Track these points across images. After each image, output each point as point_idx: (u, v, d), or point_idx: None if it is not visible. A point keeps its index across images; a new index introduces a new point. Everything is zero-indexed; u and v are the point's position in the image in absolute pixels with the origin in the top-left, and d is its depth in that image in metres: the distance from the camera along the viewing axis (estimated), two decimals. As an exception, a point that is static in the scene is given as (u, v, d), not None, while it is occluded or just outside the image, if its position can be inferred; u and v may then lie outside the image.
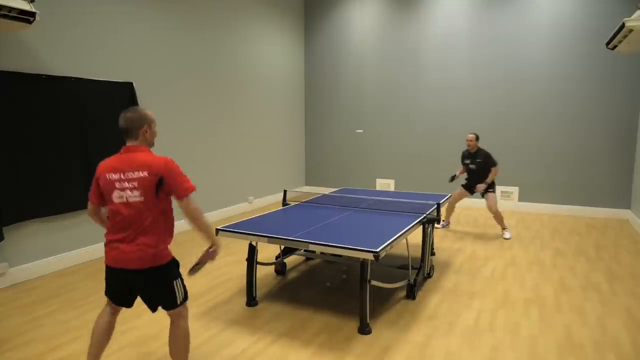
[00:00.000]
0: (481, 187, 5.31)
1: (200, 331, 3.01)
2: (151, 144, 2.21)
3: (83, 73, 4.46)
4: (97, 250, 4.68)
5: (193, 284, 3.89)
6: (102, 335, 2.22)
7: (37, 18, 3.37)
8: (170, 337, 2.21)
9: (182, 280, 2.24)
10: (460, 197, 5.67)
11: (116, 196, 2.07)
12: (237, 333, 2.98)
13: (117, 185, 2.06)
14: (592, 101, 6.44)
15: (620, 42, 4.29)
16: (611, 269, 4.24)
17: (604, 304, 3.44)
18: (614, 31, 4.24)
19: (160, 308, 2.20)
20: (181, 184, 2.10)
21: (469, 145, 5.43)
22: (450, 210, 5.81)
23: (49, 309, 3.41)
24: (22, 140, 3.92)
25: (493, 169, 5.29)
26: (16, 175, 3.89)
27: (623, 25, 3.92)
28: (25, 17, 3.29)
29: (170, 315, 2.21)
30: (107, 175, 2.08)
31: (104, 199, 2.15)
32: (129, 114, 2.12)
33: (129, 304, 2.25)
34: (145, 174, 2.05)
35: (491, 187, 5.36)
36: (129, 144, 2.14)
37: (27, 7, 3.27)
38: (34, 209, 4.03)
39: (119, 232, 2.08)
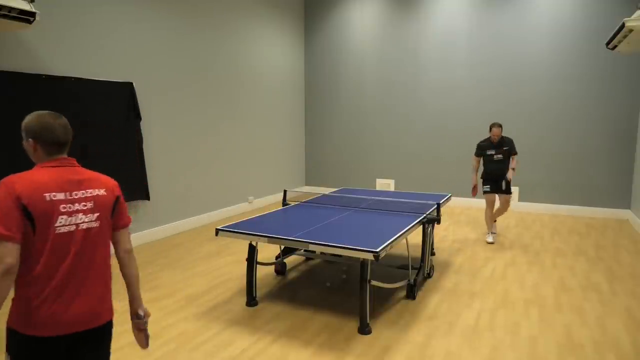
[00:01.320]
0: (511, 174, 5.05)
1: (201, 331, 3.01)
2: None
3: (83, 73, 4.46)
4: (97, 250, 4.68)
5: (193, 284, 3.89)
6: None
7: (37, 18, 3.37)
8: None
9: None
10: (494, 202, 5.25)
11: (61, 223, 1.47)
12: (237, 333, 2.98)
13: (62, 209, 1.47)
14: (592, 101, 6.44)
15: (620, 42, 4.29)
16: (611, 269, 4.24)
17: (604, 304, 3.44)
18: (614, 31, 4.24)
19: None
20: (126, 210, 1.71)
21: (494, 136, 5.04)
22: (492, 219, 5.30)
23: (49, 309, 3.40)
24: (22, 140, 3.91)
25: (515, 157, 5.14)
26: (16, 175, 3.88)
27: (623, 25, 3.92)
28: (25, 17, 3.29)
29: None
30: (45, 196, 1.44)
31: (23, 234, 1.40)
32: (63, 121, 1.60)
33: None
34: (103, 191, 1.59)
35: (510, 188, 5.14)
36: (63, 156, 1.60)
37: (27, 7, 3.27)
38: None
39: (63, 282, 1.47)
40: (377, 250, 2.70)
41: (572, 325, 3.08)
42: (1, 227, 1.35)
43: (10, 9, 3.15)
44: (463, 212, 6.91)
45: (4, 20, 3.20)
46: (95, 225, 1.57)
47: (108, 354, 1.71)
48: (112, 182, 1.67)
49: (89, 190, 1.57)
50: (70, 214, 1.49)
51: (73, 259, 1.50)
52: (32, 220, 1.41)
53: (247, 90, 6.96)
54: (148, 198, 5.14)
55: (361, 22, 7.92)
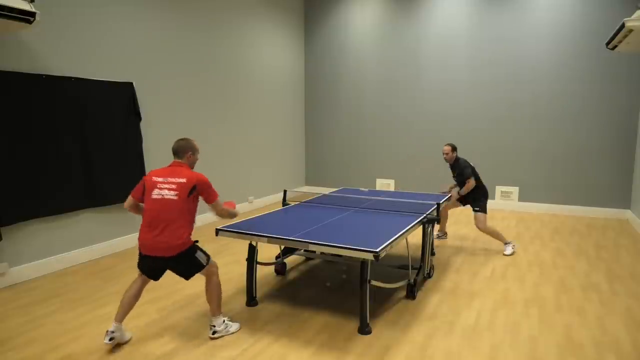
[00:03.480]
0: (454, 194, 4.78)
1: (201, 331, 3.01)
2: (192, 166, 2.93)
3: (83, 73, 4.46)
4: (97, 250, 4.68)
5: (192, 284, 3.89)
6: (131, 298, 2.79)
7: (37, 18, 3.36)
8: (206, 289, 2.89)
9: (200, 249, 2.82)
10: (451, 206, 5.05)
11: (155, 193, 2.70)
12: (237, 333, 2.98)
13: (158, 186, 2.72)
14: (592, 101, 6.44)
15: (620, 42, 4.29)
16: (611, 269, 4.24)
17: (604, 304, 3.44)
18: (614, 31, 4.23)
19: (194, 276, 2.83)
20: (210, 193, 2.84)
21: (445, 158, 4.80)
22: (444, 220, 5.32)
23: (49, 309, 3.41)
24: (22, 140, 3.92)
25: (469, 181, 4.66)
26: (16, 175, 3.89)
27: (623, 25, 3.92)
28: (25, 17, 3.28)
29: (204, 275, 2.86)
30: (152, 178, 2.76)
31: (143, 196, 2.78)
32: (181, 142, 2.90)
33: (157, 278, 2.84)
34: (184, 180, 2.73)
35: (477, 205, 4.67)
36: (175, 161, 2.87)
37: (27, 7, 3.27)
38: (33, 209, 4.03)
39: (153, 223, 2.67)
40: (377, 250, 2.69)
41: (572, 325, 3.08)
42: (134, 190, 2.86)
43: (11, 9, 3.15)
44: (463, 212, 6.91)
45: (4, 20, 3.19)
46: (174, 197, 2.71)
47: (190, 264, 2.81)
48: (193, 177, 2.78)
49: (176, 179, 2.75)
50: (161, 189, 2.73)
51: (157, 214, 2.73)
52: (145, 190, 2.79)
53: (247, 90, 6.96)
54: (148, 198, 5.14)
55: (361, 22, 7.92)
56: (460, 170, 4.72)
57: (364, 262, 2.92)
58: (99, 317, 3.26)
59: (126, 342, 2.84)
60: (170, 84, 5.53)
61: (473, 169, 4.77)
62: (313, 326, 3.07)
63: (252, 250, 3.41)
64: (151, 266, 2.78)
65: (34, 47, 4.03)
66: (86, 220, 4.57)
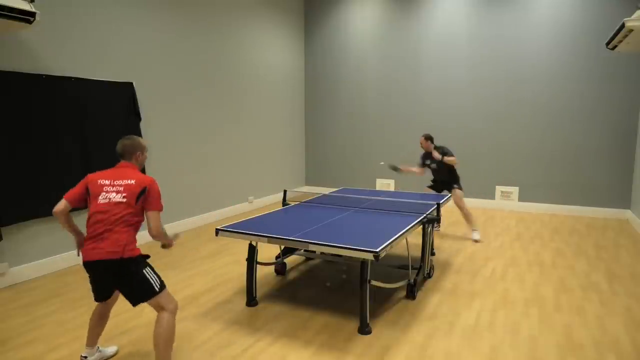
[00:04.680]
0: (436, 155, 5.19)
1: (201, 331, 3.01)
2: (141, 166, 2.62)
3: (83, 73, 4.46)
4: (97, 250, 4.68)
5: (193, 284, 3.89)
6: (95, 324, 2.54)
7: (37, 18, 3.36)
8: (154, 330, 2.33)
9: (152, 269, 2.39)
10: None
11: (101, 198, 2.36)
12: (237, 333, 2.98)
13: (105, 189, 2.38)
14: (592, 101, 6.44)
15: (620, 42, 4.29)
16: (611, 269, 4.24)
17: (604, 304, 3.44)
18: (614, 31, 4.24)
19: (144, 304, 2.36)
20: (156, 201, 2.45)
21: (422, 147, 5.44)
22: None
23: (49, 309, 3.41)
24: (22, 140, 3.92)
25: (452, 158, 5.19)
26: (16, 175, 3.89)
27: (623, 25, 3.92)
28: (25, 17, 3.29)
29: (152, 307, 2.36)
30: (98, 181, 2.42)
31: (79, 201, 2.45)
32: (127, 141, 2.58)
33: (110, 294, 2.50)
34: (133, 182, 2.40)
35: (456, 183, 5.34)
36: (122, 162, 2.56)
37: (27, 7, 3.27)
38: (33, 209, 4.03)
39: (95, 231, 2.31)
40: (377, 250, 2.69)
41: (572, 325, 3.08)
42: (70, 192, 2.49)
43: (11, 9, 3.15)
44: (463, 212, 6.91)
45: (4, 20, 3.19)
46: (122, 200, 2.36)
47: (136, 279, 2.33)
48: (143, 180, 2.44)
49: (124, 181, 2.41)
50: (107, 192, 2.38)
51: (102, 219, 2.35)
52: (88, 194, 2.44)
53: (247, 90, 6.96)
54: (148, 198, 5.13)
55: (361, 22, 7.92)
56: (445, 150, 5.27)
57: (364, 262, 2.92)
58: (99, 317, 3.26)
59: (113, 356, 2.71)
60: (170, 84, 5.53)
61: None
62: (313, 326, 3.07)
63: (252, 250, 3.41)
64: (93, 278, 2.42)
65: (34, 47, 4.03)
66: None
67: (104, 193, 2.37)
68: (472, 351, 2.74)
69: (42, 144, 4.06)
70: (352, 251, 2.76)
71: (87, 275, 4.15)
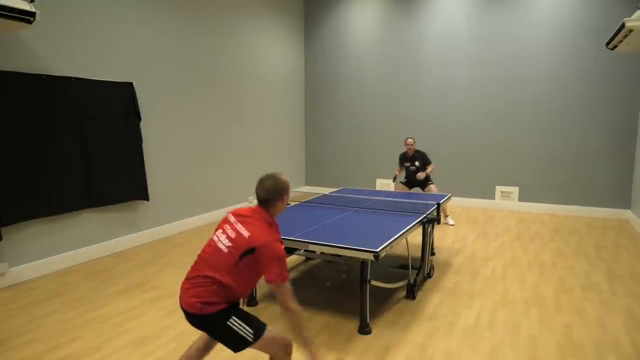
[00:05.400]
0: (421, 175, 5.80)
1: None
2: (274, 215, 2.13)
3: (83, 73, 4.46)
4: (97, 250, 4.68)
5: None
6: (195, 353, 2.21)
7: (37, 18, 3.36)
8: None
9: (238, 318, 1.97)
10: (399, 188, 6.22)
11: (216, 235, 2.07)
12: (237, 333, 2.97)
13: (223, 227, 2.07)
14: (592, 101, 6.44)
15: (620, 42, 4.29)
16: (611, 269, 4.24)
17: (604, 304, 3.44)
18: (614, 31, 4.24)
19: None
20: (271, 268, 1.96)
21: (409, 149, 6.00)
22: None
23: (49, 309, 3.41)
24: (22, 140, 3.92)
25: (431, 165, 5.95)
26: (16, 175, 3.89)
27: (623, 25, 3.92)
28: (25, 17, 3.29)
29: (263, 351, 2.06)
30: (228, 216, 2.13)
31: None
32: (269, 184, 2.09)
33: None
34: (247, 235, 1.98)
35: (429, 179, 5.99)
36: (260, 206, 2.11)
37: (27, 7, 3.27)
38: (33, 209, 4.03)
39: (192, 269, 2.03)
40: (377, 250, 2.69)
41: (572, 325, 3.08)
42: None
43: (11, 9, 3.15)
44: (463, 212, 6.91)
45: (4, 20, 3.19)
46: (226, 248, 1.99)
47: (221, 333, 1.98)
48: (257, 238, 1.97)
49: (242, 229, 2.01)
50: (223, 232, 2.06)
51: (204, 258, 2.06)
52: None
53: (247, 90, 6.96)
54: (148, 198, 5.14)
55: (361, 22, 7.92)
56: (425, 158, 6.00)
57: (364, 262, 2.92)
58: (99, 317, 3.26)
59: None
60: (170, 84, 5.53)
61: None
62: (313, 326, 3.07)
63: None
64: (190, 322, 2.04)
65: (34, 47, 4.03)
66: (86, 220, 4.57)
67: (220, 230, 2.09)
68: (472, 351, 2.74)
69: (42, 144, 4.06)
70: (352, 251, 2.76)
71: (86, 275, 4.16)
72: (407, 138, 6.05)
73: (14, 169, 3.87)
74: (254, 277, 2.01)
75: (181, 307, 2.01)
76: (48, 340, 2.92)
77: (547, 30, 6.56)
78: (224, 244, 1.99)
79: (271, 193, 2.07)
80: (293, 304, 1.97)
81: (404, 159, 6.13)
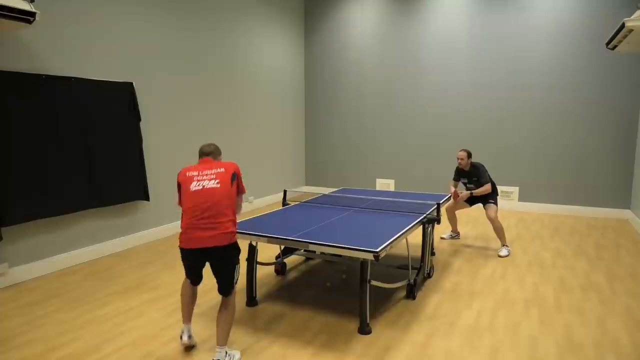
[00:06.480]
0: (465, 195, 4.87)
1: (201, 331, 3.01)
2: None
3: (83, 73, 4.46)
4: (97, 250, 4.68)
5: (193, 284, 3.89)
6: (190, 299, 2.75)
7: (37, 18, 3.37)
8: (223, 314, 2.56)
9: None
10: (458, 207, 5.12)
11: (193, 185, 2.51)
12: (237, 333, 2.98)
13: (195, 179, 2.54)
14: (592, 101, 6.44)
15: (620, 42, 4.29)
16: (611, 269, 4.24)
17: (604, 304, 3.44)
18: (614, 31, 4.24)
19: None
20: (242, 184, 2.72)
21: (460, 164, 4.93)
22: (453, 219, 5.34)
23: (49, 309, 3.41)
24: (22, 140, 3.92)
25: (487, 186, 4.78)
26: (16, 176, 3.88)
27: (623, 25, 3.92)
28: (25, 17, 3.29)
29: (225, 296, 2.61)
30: (186, 173, 2.58)
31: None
32: (213, 146, 2.74)
33: (200, 280, 2.76)
34: (223, 170, 2.58)
35: (492, 197, 4.85)
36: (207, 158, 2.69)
37: (27, 7, 3.27)
38: (34, 209, 4.03)
39: (195, 218, 2.46)
40: (377, 250, 2.69)
41: (572, 325, 3.08)
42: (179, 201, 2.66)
43: (11, 9, 3.15)
44: (463, 212, 6.91)
45: (4, 20, 3.20)
46: (216, 185, 2.52)
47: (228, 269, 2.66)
48: (231, 165, 2.64)
49: (213, 170, 2.58)
50: (198, 181, 2.53)
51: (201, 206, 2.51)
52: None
53: (247, 90, 6.96)
54: (148, 198, 5.14)
55: (361, 23, 7.92)
56: (480, 175, 4.84)
57: (364, 262, 2.92)
58: (99, 317, 3.26)
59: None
60: (170, 84, 5.53)
61: (488, 173, 4.96)
62: (313, 326, 3.07)
63: (252, 250, 3.41)
64: (194, 263, 2.68)
65: (34, 47, 4.03)
66: (86, 220, 4.57)
67: (195, 182, 2.58)
68: (472, 351, 2.74)
69: (41, 144, 4.06)
70: (352, 251, 2.76)
71: (86, 275, 4.16)
72: (459, 150, 5.11)
73: (14, 168, 3.87)
74: (235, 198, 2.61)
75: (195, 250, 2.48)
76: (48, 340, 2.92)
77: (548, 31, 6.56)
78: (213, 184, 2.49)
79: (214, 148, 2.72)
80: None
81: (460, 174, 5.08)
